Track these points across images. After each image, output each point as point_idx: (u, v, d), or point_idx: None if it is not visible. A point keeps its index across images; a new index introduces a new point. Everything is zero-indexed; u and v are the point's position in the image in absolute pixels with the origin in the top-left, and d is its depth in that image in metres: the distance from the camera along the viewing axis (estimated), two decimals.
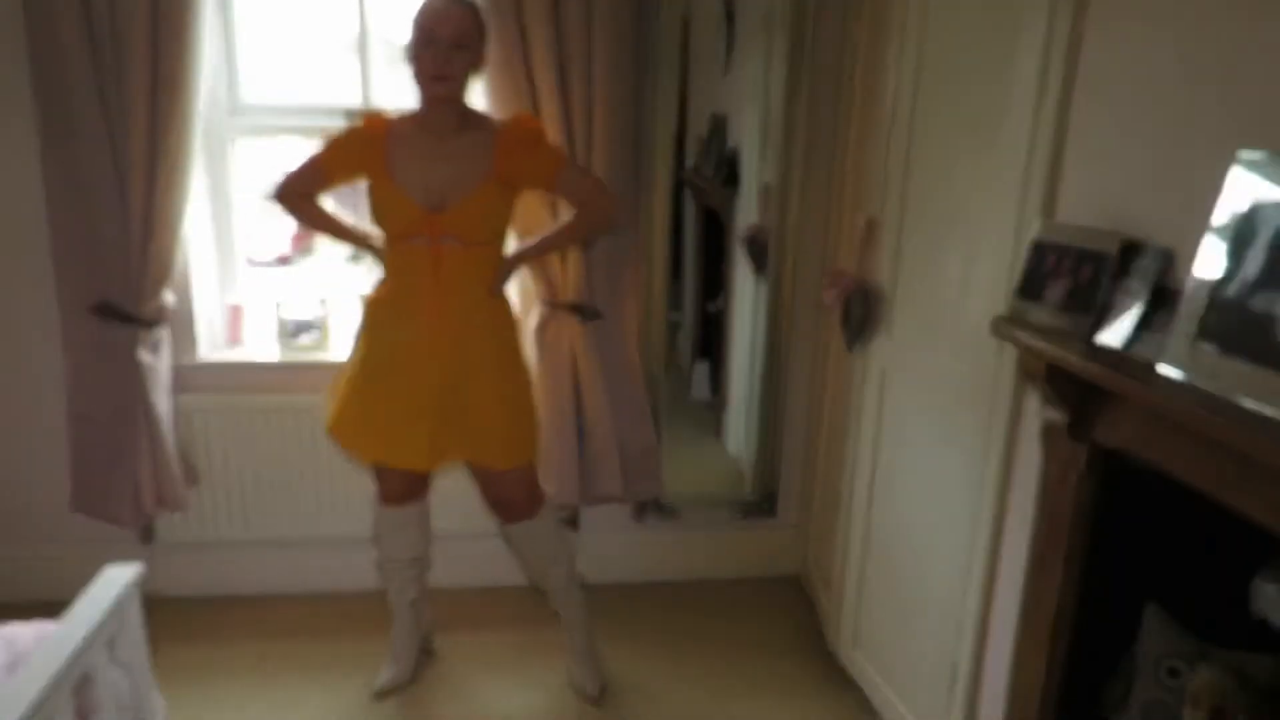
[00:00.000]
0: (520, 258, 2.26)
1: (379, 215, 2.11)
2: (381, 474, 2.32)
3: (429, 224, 2.04)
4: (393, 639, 2.48)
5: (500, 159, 2.07)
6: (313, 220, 2.27)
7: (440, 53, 1.96)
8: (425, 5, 1.99)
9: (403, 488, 2.32)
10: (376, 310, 2.19)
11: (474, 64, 2.04)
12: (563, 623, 2.48)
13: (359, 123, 2.15)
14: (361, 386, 2.17)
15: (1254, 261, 1.11)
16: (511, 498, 2.31)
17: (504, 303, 2.23)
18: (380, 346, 2.16)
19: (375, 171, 2.08)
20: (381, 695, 2.42)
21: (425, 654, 2.57)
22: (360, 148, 2.11)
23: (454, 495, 2.67)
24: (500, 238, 2.18)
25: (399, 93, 2.71)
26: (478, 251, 2.12)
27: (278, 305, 2.74)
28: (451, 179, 2.05)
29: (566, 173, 2.20)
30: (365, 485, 2.78)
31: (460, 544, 2.80)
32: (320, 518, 2.80)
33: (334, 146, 2.16)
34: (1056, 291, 1.48)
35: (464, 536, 2.79)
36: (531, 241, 2.29)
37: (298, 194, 2.20)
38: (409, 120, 2.11)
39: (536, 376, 2.64)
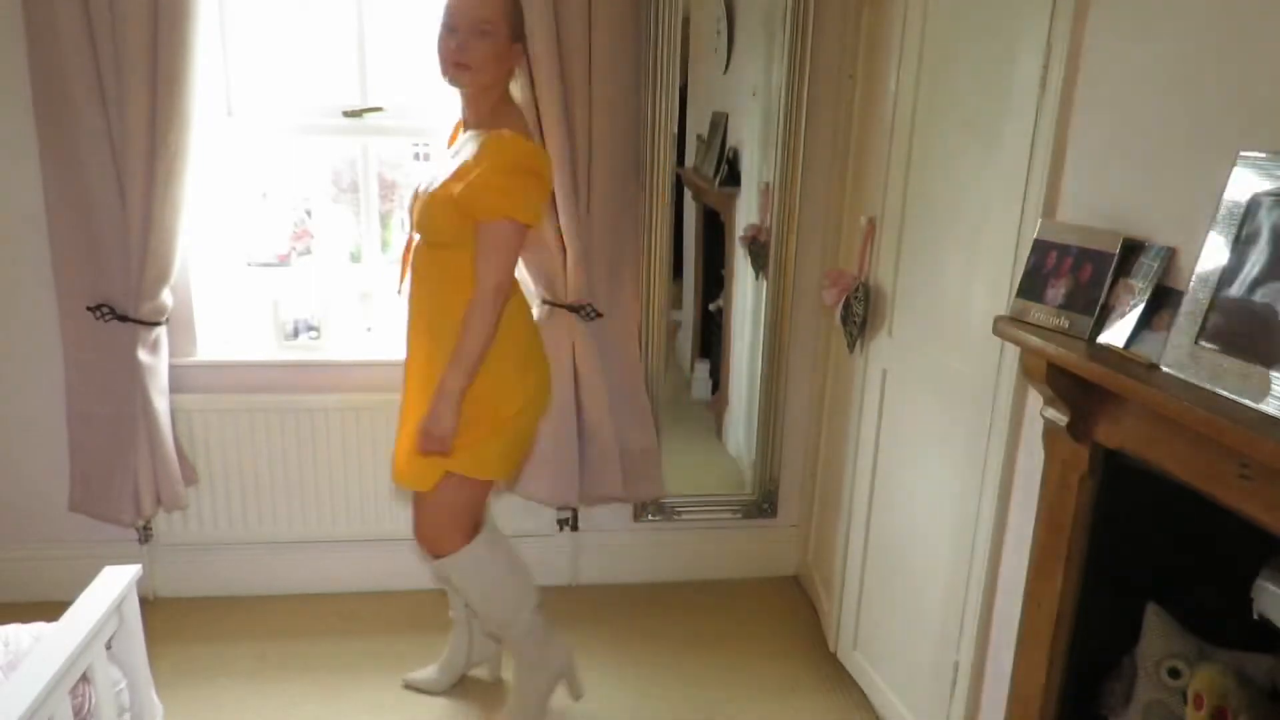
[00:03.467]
0: (445, 389, 1.90)
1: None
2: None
3: (412, 213, 2.03)
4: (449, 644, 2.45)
5: (464, 165, 1.89)
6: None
7: (460, 38, 1.86)
8: None
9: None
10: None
11: (499, 54, 1.89)
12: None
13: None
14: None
15: (1255, 261, 1.11)
16: (417, 522, 2.09)
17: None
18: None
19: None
20: (408, 686, 2.43)
21: (482, 676, 2.47)
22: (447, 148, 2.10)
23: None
24: (455, 252, 1.92)
25: (398, 93, 2.72)
26: (440, 254, 1.94)
27: (277, 305, 2.74)
28: (440, 174, 1.96)
29: (488, 230, 1.88)
30: (365, 485, 2.79)
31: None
32: (319, 518, 2.80)
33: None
34: (1058, 291, 1.48)
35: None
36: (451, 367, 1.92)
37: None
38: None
39: None
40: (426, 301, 2.00)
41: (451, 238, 1.91)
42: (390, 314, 2.87)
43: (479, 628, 2.37)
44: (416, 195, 2.01)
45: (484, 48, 1.86)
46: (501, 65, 1.92)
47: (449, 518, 2.06)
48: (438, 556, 2.08)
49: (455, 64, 1.87)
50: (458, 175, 1.88)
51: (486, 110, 1.95)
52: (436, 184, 1.92)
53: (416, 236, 2.02)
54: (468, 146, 1.93)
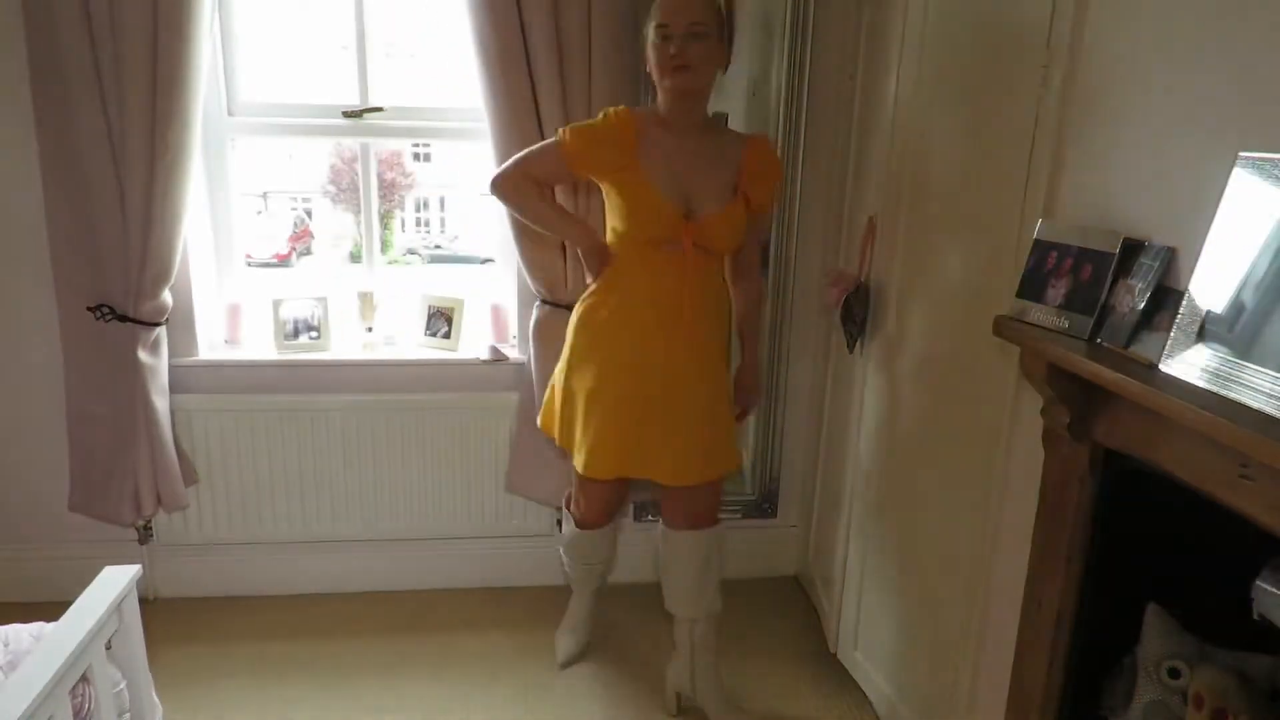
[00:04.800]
0: (753, 360, 2.30)
1: (632, 217, 2.00)
2: (591, 493, 2.31)
3: (687, 231, 1.98)
4: (572, 614, 2.61)
5: (745, 177, 2.04)
6: (541, 212, 2.11)
7: (678, 42, 1.91)
8: None
9: (605, 512, 2.36)
10: (610, 317, 2.06)
11: (715, 55, 1.97)
12: (678, 669, 2.36)
13: (608, 116, 2.02)
14: (607, 403, 2.06)
15: (1255, 261, 1.11)
16: (707, 503, 2.21)
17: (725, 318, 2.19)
18: (621, 356, 2.06)
19: (628, 169, 1.98)
20: (566, 665, 2.54)
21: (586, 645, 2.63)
22: (614, 142, 1.99)
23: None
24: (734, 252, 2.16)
25: (396, 92, 2.72)
26: (716, 263, 2.10)
27: (276, 305, 2.74)
28: (702, 185, 2.01)
29: (764, 221, 2.20)
30: (365, 485, 2.79)
31: (516, 543, 2.80)
32: (319, 518, 2.80)
33: (582, 137, 2.01)
34: (1058, 291, 1.47)
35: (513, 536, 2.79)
36: (749, 344, 2.30)
37: (534, 180, 2.07)
38: (653, 118, 2.03)
39: (536, 376, 2.64)
40: (701, 305, 2.05)
41: (737, 246, 2.12)
42: (390, 314, 2.87)
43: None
44: (671, 214, 1.97)
45: (703, 48, 1.93)
46: (717, 65, 2.01)
47: (722, 492, 2.25)
48: (712, 526, 2.22)
49: (676, 66, 1.93)
50: (742, 187, 2.04)
51: (701, 112, 2.04)
52: (707, 197, 2.01)
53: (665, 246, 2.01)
54: (709, 150, 2.03)
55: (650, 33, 1.96)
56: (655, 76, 1.98)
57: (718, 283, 2.13)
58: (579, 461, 2.13)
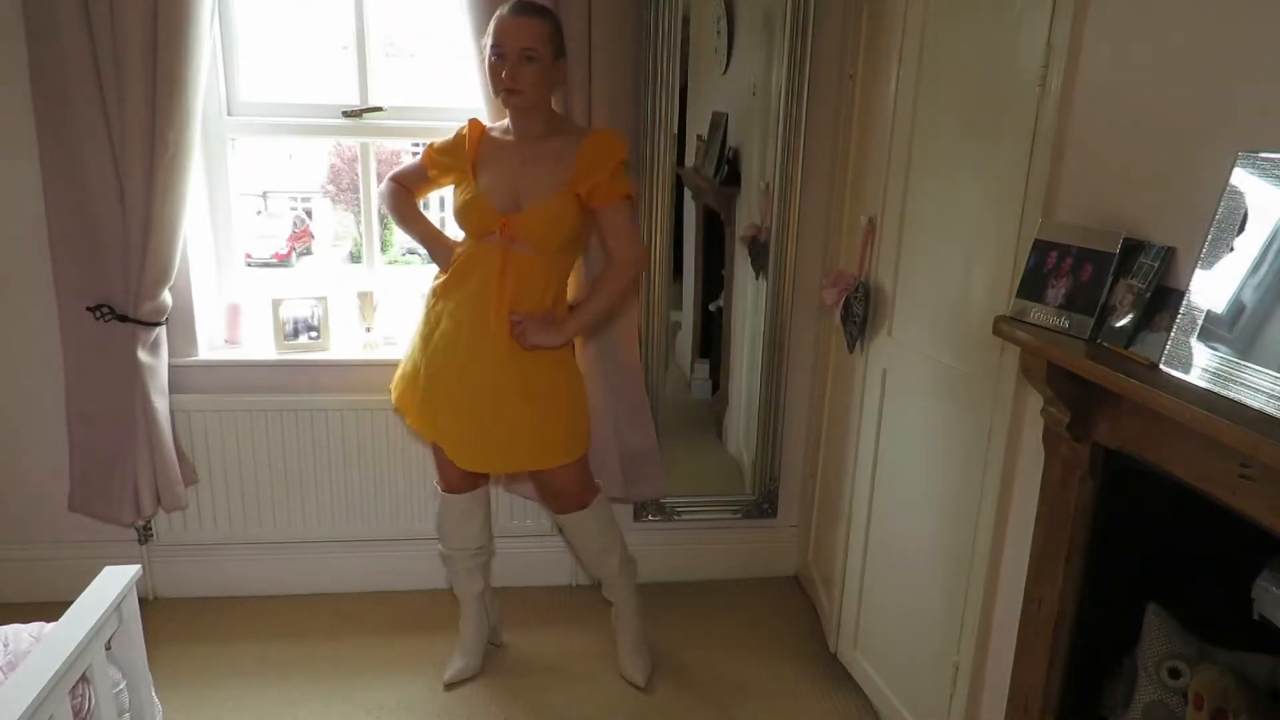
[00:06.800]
0: (578, 323, 2.22)
1: (459, 215, 2.19)
2: (441, 460, 2.35)
3: (502, 226, 2.11)
4: (461, 631, 2.53)
5: (577, 169, 2.12)
6: (404, 215, 2.33)
7: (510, 66, 2.03)
8: (497, 18, 2.07)
9: (462, 475, 2.35)
10: (438, 298, 2.24)
11: (546, 77, 2.08)
12: (614, 612, 2.55)
13: (461, 129, 2.24)
14: (422, 370, 2.23)
15: (1255, 261, 1.11)
16: (562, 490, 2.35)
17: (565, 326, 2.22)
18: (438, 334, 2.21)
19: (463, 173, 2.19)
20: (450, 686, 2.46)
21: (492, 645, 2.62)
22: (457, 151, 2.22)
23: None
24: (571, 249, 2.24)
25: (396, 92, 2.72)
26: (546, 260, 2.15)
27: (276, 304, 2.74)
28: (529, 185, 2.13)
29: (617, 211, 2.15)
30: (364, 485, 2.79)
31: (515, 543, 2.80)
32: (319, 518, 2.80)
33: (439, 149, 2.27)
34: (1058, 291, 1.48)
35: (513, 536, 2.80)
36: (584, 306, 2.24)
37: (404, 187, 2.32)
38: (503, 128, 2.21)
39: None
40: (516, 298, 2.13)
41: (567, 241, 2.17)
42: (390, 314, 2.87)
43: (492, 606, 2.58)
44: (487, 210, 2.12)
45: (534, 70, 2.04)
46: (550, 81, 2.11)
47: (587, 474, 2.40)
48: (583, 509, 2.37)
49: (507, 90, 2.05)
50: (571, 180, 2.10)
51: (541, 120, 2.15)
52: (531, 195, 2.11)
53: (489, 243, 2.14)
54: (542, 154, 2.13)
55: (486, 50, 2.08)
56: (491, 90, 2.13)
57: (543, 280, 2.17)
58: (400, 401, 2.33)
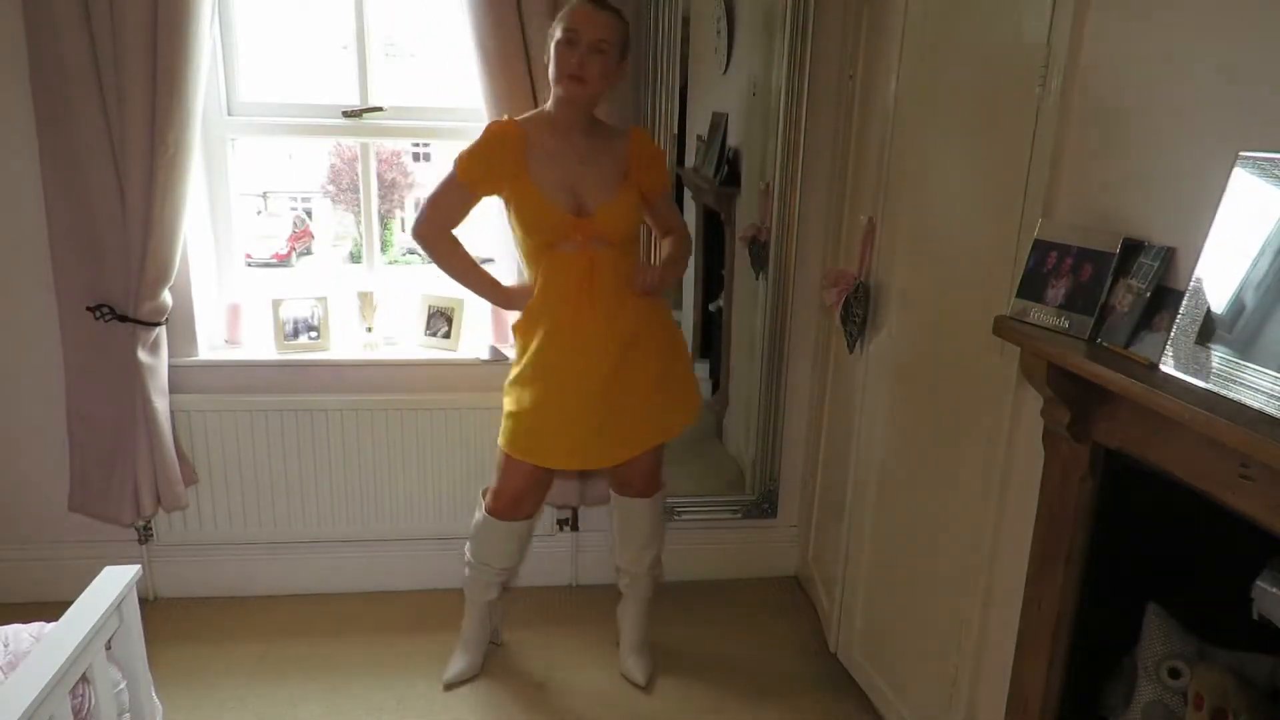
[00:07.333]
0: (674, 270, 2.37)
1: (529, 224, 2.12)
2: (513, 487, 2.30)
3: (579, 228, 2.10)
4: (463, 631, 2.51)
5: (635, 166, 2.17)
6: (461, 269, 2.23)
7: (580, 54, 2.02)
8: (572, 5, 2.06)
9: (523, 503, 2.33)
10: (535, 322, 2.18)
11: (609, 71, 2.08)
12: (622, 606, 2.57)
13: (491, 130, 2.13)
14: (536, 399, 2.18)
15: (1255, 261, 1.11)
16: (645, 468, 2.38)
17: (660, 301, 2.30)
18: (546, 356, 2.17)
19: (518, 178, 2.10)
20: (450, 686, 2.45)
21: (493, 645, 2.60)
22: (498, 158, 2.11)
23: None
24: (637, 237, 2.32)
25: (396, 92, 2.72)
26: (623, 251, 2.18)
27: (276, 304, 2.74)
28: (590, 183, 2.12)
29: (667, 198, 2.34)
30: (364, 485, 2.79)
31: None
32: (319, 518, 2.80)
33: (473, 158, 2.12)
34: (1058, 291, 1.48)
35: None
36: (667, 258, 2.36)
37: (443, 225, 2.18)
38: (538, 123, 2.14)
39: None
40: (615, 294, 2.15)
41: (637, 234, 2.28)
42: (390, 314, 2.87)
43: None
44: (562, 215, 2.08)
45: (600, 63, 2.04)
46: (610, 80, 2.12)
47: (662, 462, 2.45)
48: (649, 497, 2.44)
49: (573, 76, 2.03)
50: (632, 175, 2.17)
51: (586, 117, 2.15)
52: (595, 194, 2.11)
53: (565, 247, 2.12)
54: (597, 151, 2.15)
55: (557, 32, 2.05)
56: (551, 76, 2.08)
57: (625, 270, 2.19)
58: (519, 445, 2.21)
